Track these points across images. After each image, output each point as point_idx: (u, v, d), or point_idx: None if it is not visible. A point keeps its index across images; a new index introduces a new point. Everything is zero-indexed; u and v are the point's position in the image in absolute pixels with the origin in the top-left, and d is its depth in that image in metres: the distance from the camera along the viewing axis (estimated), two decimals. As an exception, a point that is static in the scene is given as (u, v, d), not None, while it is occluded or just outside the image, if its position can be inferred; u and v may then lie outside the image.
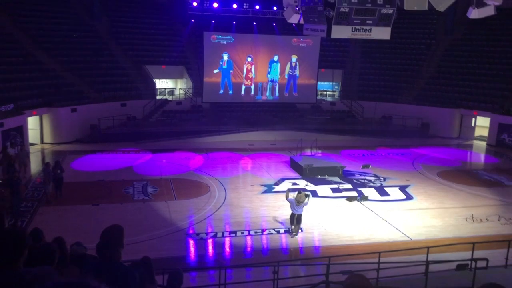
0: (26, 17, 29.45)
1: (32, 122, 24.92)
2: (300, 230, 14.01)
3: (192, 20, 33.55)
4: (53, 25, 30.13)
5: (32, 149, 24.04)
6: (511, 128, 27.87)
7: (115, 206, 16.26)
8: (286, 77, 32.37)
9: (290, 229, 14.08)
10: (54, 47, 28.99)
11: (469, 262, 10.63)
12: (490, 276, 10.09)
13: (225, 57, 31.17)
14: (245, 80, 31.95)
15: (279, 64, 32.14)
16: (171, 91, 33.57)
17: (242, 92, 31.96)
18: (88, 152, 24.03)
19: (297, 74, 32.41)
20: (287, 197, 14.16)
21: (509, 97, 29.56)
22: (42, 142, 25.71)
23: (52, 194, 16.47)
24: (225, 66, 31.25)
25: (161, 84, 33.94)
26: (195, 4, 31.01)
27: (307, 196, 14.14)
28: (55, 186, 16.61)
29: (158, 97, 31.72)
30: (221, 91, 31.45)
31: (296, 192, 14.29)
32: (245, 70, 31.81)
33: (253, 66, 31.77)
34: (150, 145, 25.49)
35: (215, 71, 31.07)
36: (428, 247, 11.09)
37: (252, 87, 32.08)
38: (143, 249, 11.84)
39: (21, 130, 22.78)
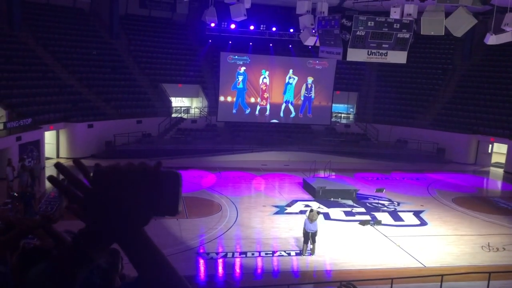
0: (48, 33, 30.17)
1: (49, 137, 25.29)
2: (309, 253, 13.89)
3: (210, 41, 34.02)
4: (73, 42, 30.79)
5: (47, 163, 24.33)
6: (529, 156, 27.40)
7: (126, 222, 16.25)
8: (302, 98, 32.50)
9: (302, 249, 13.94)
10: (74, 63, 29.59)
11: (484, 292, 10.36)
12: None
13: (240, 77, 31.49)
14: (260, 100, 32.13)
15: (294, 86, 32.32)
16: (187, 110, 33.86)
17: (257, 112, 32.11)
18: (102, 167, 24.16)
19: (313, 96, 32.50)
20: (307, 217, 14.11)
21: (527, 124, 29.16)
22: (58, 156, 26.03)
23: (65, 209, 16.55)
24: (240, 86, 31.52)
25: (177, 102, 34.28)
26: (213, 25, 31.46)
27: (318, 214, 14.13)
28: (68, 201, 16.68)
29: (173, 115, 32.01)
30: (234, 111, 31.64)
31: (308, 210, 14.26)
32: (260, 90, 32.04)
33: (267, 86, 32.00)
34: (164, 163, 25.20)
35: (232, 89, 31.39)
36: (442, 275, 10.86)
37: (268, 107, 32.23)
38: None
39: (38, 144, 23.11)
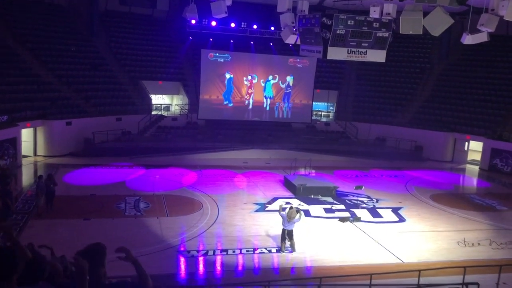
0: (26, 29, 29.58)
1: (26, 134, 24.83)
2: (289, 250, 13.98)
3: (190, 38, 33.84)
4: (52, 39, 30.26)
5: (24, 161, 23.92)
6: (503, 153, 28.09)
7: (106, 221, 16.12)
8: (282, 96, 32.68)
9: (280, 246, 14.06)
10: (53, 60, 29.09)
11: (460, 286, 10.60)
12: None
13: (227, 75, 31.55)
14: (242, 98, 32.16)
15: (274, 83, 32.47)
16: (167, 107, 33.65)
17: (239, 110, 32.13)
18: (81, 165, 23.92)
19: (291, 92, 32.73)
20: (280, 211, 14.26)
21: (501, 122, 29.86)
22: (35, 154, 25.58)
23: (42, 208, 16.33)
24: (229, 83, 31.68)
25: (157, 99, 34.03)
26: (193, 22, 31.26)
27: (298, 212, 14.18)
28: (46, 199, 16.47)
29: (153, 113, 31.78)
30: (226, 102, 31.76)
31: (288, 208, 14.35)
32: (243, 89, 32.09)
33: (252, 84, 32.07)
34: (143, 160, 25.41)
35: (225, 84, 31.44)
36: (420, 270, 11.07)
37: (250, 106, 32.29)
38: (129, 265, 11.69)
39: (15, 142, 22.68)
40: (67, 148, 26.04)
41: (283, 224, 13.97)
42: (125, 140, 27.89)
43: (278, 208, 15.12)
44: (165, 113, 32.44)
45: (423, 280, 10.85)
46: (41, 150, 25.68)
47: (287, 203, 19.11)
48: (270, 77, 32.36)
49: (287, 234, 13.87)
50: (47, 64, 28.68)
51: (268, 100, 32.59)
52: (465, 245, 15.56)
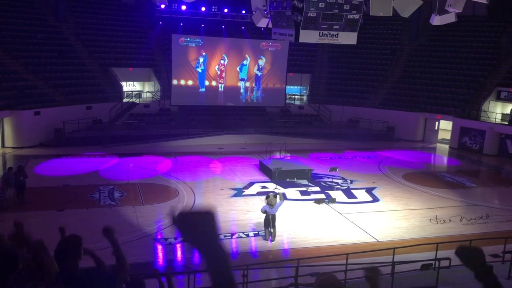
0: (-14, 17, 28.48)
1: (-7, 126, 24.10)
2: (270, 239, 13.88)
3: (160, 23, 33.25)
4: (16, 26, 29.22)
5: (-8, 153, 23.24)
6: (471, 132, 28.84)
7: (80, 211, 15.88)
8: (255, 79, 32.64)
9: (264, 234, 13.87)
10: (17, 48, 28.13)
11: (433, 261, 10.92)
12: (452, 274, 10.38)
13: (200, 60, 31.20)
14: (215, 82, 31.93)
15: (249, 64, 32.35)
16: (139, 94, 33.12)
17: (212, 96, 31.91)
18: (52, 156, 23.39)
19: (263, 76, 32.70)
20: (262, 211, 13.85)
21: (470, 101, 30.59)
22: (3, 146, 24.86)
23: (12, 200, 15.92)
24: (202, 67, 31.30)
25: (128, 86, 33.44)
26: (163, 6, 30.32)
27: (275, 196, 14.05)
28: (17, 191, 16.08)
29: (125, 100, 31.23)
30: (198, 88, 31.48)
31: (265, 197, 14.21)
32: (216, 74, 31.83)
33: (225, 68, 31.85)
34: (116, 149, 25.03)
35: (199, 70, 30.96)
36: (394, 248, 11.33)
37: (223, 90, 32.10)
38: (109, 255, 11.59)
39: (-19, 134, 21.98)
40: (36, 138, 25.39)
41: (268, 212, 13.59)
42: (97, 129, 27.37)
43: (254, 193, 14.97)
44: (136, 100, 31.94)
45: (398, 257, 11.13)
46: (9, 142, 24.96)
47: (263, 187, 19.23)
48: (245, 61, 32.19)
49: (271, 219, 13.65)
50: (10, 52, 27.71)
51: (244, 83, 32.46)
52: (437, 222, 16.01)
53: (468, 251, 2.33)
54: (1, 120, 24.61)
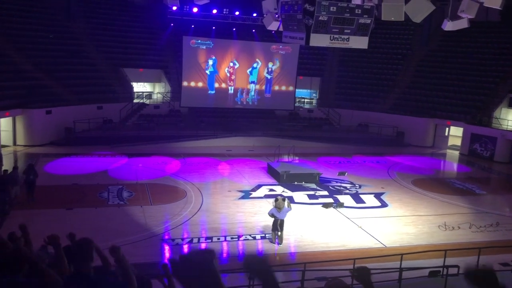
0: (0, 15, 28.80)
1: (5, 124, 24.35)
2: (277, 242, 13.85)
3: (172, 24, 33.41)
4: (29, 25, 29.54)
5: (4, 151, 23.45)
6: (482, 138, 28.58)
7: (89, 210, 15.98)
8: (265, 82, 32.68)
9: (272, 237, 13.79)
10: (29, 47, 28.41)
11: (441, 269, 10.82)
12: (461, 282, 10.27)
13: (211, 62, 31.28)
14: (225, 85, 32.00)
15: (260, 67, 32.38)
16: (149, 95, 33.29)
17: (222, 98, 31.97)
18: (62, 155, 23.58)
19: (273, 79, 32.68)
20: (269, 214, 13.79)
21: (481, 107, 30.32)
22: (15, 144, 25.11)
23: (19, 198, 15.96)
24: (211, 70, 31.39)
25: (139, 87, 33.62)
26: (174, 8, 30.87)
27: (284, 199, 13.97)
28: (26, 190, 16.20)
29: (135, 101, 31.42)
30: (208, 90, 31.57)
31: (274, 200, 14.17)
32: (226, 76, 31.88)
33: (235, 71, 31.91)
34: (126, 149, 25.16)
35: (207, 71, 31.08)
36: (402, 254, 11.25)
37: (233, 93, 32.15)
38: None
39: (-7, 132, 22.22)
40: (47, 137, 25.61)
41: (275, 216, 13.59)
42: (107, 129, 27.55)
43: (262, 196, 14.92)
44: (147, 101, 32.10)
45: (405, 264, 11.04)
46: (20, 140, 25.21)
47: (271, 190, 19.21)
48: (255, 64, 32.23)
49: (279, 225, 13.58)
50: (23, 51, 27.99)
51: (254, 86, 32.47)
52: (445, 228, 15.87)
53: (479, 273, 2.17)
54: (13, 118, 24.86)
